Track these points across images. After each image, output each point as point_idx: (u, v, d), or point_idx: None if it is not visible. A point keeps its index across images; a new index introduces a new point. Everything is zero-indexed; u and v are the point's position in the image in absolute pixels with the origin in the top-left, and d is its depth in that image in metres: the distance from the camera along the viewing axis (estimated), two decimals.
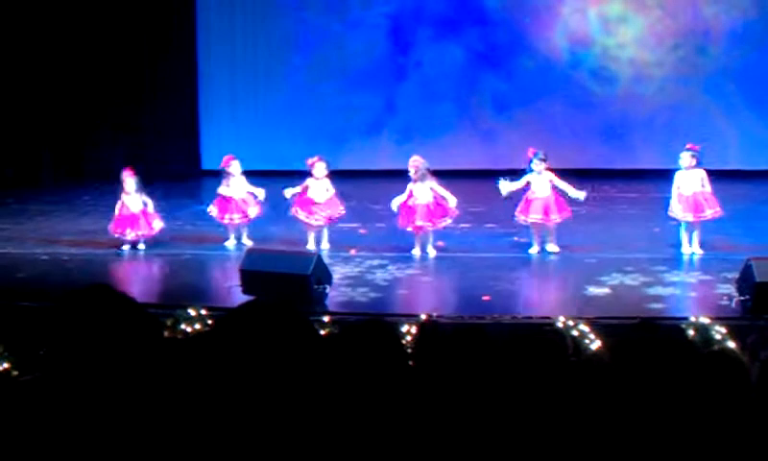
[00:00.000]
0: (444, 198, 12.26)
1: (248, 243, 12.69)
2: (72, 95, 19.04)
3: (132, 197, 12.74)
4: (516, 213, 12.34)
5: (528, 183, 12.29)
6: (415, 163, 12.34)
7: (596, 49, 18.57)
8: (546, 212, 12.12)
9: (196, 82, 19.41)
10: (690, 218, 12.04)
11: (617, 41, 18.54)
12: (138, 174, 12.95)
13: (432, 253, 12.24)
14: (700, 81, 18.30)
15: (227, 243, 12.92)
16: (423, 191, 12.25)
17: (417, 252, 12.24)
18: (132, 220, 12.68)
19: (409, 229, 12.31)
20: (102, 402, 2.59)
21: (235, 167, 13.00)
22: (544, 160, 12.26)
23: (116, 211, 12.79)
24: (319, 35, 19.02)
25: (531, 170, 12.30)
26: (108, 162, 16.81)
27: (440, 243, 12.45)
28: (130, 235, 12.67)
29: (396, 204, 12.32)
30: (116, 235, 12.76)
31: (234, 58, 19.36)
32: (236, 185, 12.93)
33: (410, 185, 12.31)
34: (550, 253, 12.11)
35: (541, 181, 12.22)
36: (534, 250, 12.17)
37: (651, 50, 18.46)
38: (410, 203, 12.28)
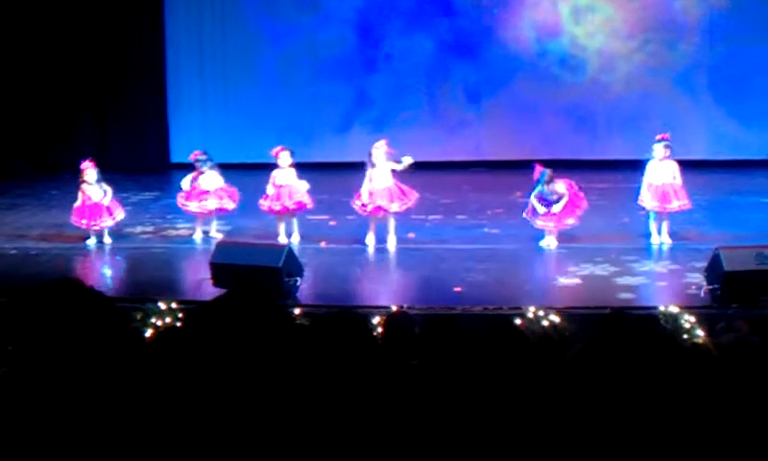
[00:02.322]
0: (404, 185, 12.31)
1: (216, 236, 12.66)
2: (40, 89, 18.89)
3: (93, 187, 12.67)
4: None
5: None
6: (381, 148, 12.34)
7: (566, 40, 18.62)
8: (560, 220, 12.06)
9: (164, 74, 19.31)
10: (657, 208, 12.12)
11: (587, 31, 18.61)
12: (100, 165, 12.89)
13: (392, 243, 12.22)
14: (669, 73, 18.41)
15: (194, 236, 12.88)
16: (383, 175, 12.25)
17: (371, 239, 12.22)
18: (93, 210, 12.62)
19: (368, 209, 12.28)
20: (70, 399, 2.58)
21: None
22: (550, 181, 12.11)
23: (78, 202, 12.71)
24: (288, 27, 18.97)
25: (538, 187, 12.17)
26: (76, 156, 16.65)
27: (411, 235, 12.45)
28: (91, 225, 12.62)
29: (357, 203, 12.35)
30: (78, 226, 12.69)
31: (203, 50, 19.28)
32: (207, 178, 12.90)
33: (368, 172, 12.29)
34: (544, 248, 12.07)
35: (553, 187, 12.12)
36: (545, 242, 12.08)
37: (621, 42, 18.54)
38: (370, 188, 12.28)
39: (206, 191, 12.85)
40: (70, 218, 12.77)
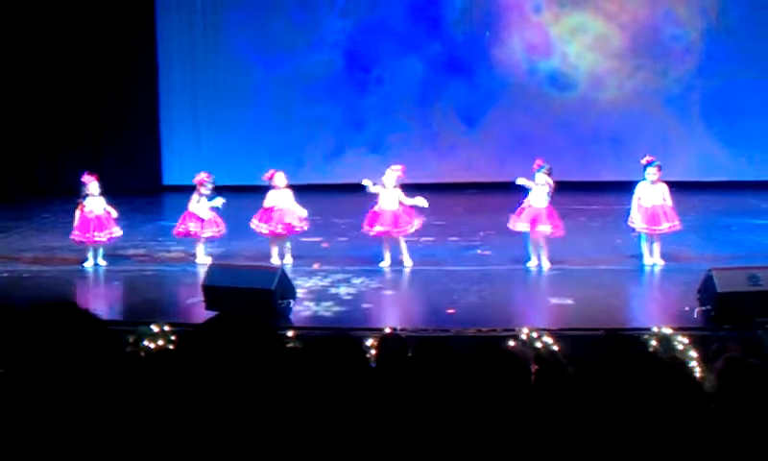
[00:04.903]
0: (410, 206, 12.30)
1: (202, 260, 12.57)
2: (31, 112, 18.90)
3: (97, 199, 12.65)
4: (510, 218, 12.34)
5: (529, 191, 12.23)
6: (396, 172, 12.38)
7: (558, 62, 18.70)
8: (534, 223, 12.08)
9: (157, 97, 19.34)
10: (646, 230, 12.13)
11: (580, 54, 18.70)
12: (100, 181, 12.86)
13: (408, 263, 12.25)
14: (660, 97, 18.52)
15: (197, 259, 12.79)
16: (391, 199, 12.28)
17: (386, 263, 12.24)
18: (96, 223, 12.57)
19: (372, 233, 12.30)
20: (64, 422, 2.57)
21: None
22: (549, 174, 12.19)
23: (77, 217, 12.65)
24: (280, 51, 19.02)
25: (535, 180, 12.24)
26: (68, 179, 16.68)
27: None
28: (96, 237, 12.55)
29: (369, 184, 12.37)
30: (79, 241, 12.62)
31: (195, 73, 19.32)
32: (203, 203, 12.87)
33: (377, 189, 12.33)
34: (542, 267, 12.05)
35: (540, 193, 12.19)
36: (532, 263, 12.13)
37: (614, 66, 18.63)
38: (376, 209, 12.32)
39: (201, 219, 12.80)
40: (71, 235, 12.69)
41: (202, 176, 12.90)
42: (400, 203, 12.32)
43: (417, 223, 12.36)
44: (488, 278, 11.68)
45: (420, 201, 12.27)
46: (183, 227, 12.79)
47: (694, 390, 2.38)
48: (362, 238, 13.13)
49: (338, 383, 3.02)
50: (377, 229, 12.28)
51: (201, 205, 12.79)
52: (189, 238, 12.87)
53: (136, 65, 19.10)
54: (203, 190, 12.77)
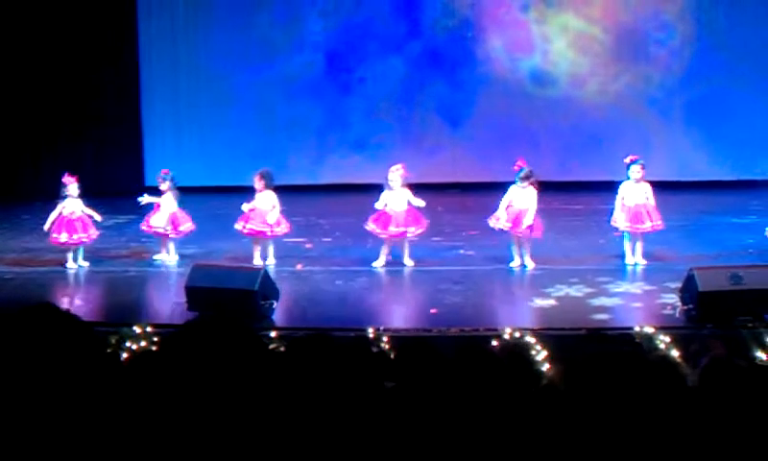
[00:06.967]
0: (417, 208, 12.33)
1: (169, 258, 12.68)
2: (13, 113, 18.81)
3: (76, 201, 12.62)
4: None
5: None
6: (398, 171, 12.38)
7: (541, 61, 18.71)
8: (516, 223, 12.09)
9: (138, 96, 19.26)
10: (629, 229, 12.17)
11: (563, 54, 18.71)
12: (81, 182, 12.85)
13: (409, 262, 12.24)
14: (643, 99, 18.55)
15: (157, 256, 12.86)
16: (399, 199, 12.28)
17: (380, 263, 12.21)
18: (79, 224, 12.54)
19: (383, 236, 12.28)
20: (46, 424, 2.56)
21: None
22: (527, 178, 12.19)
23: (53, 217, 12.60)
24: (262, 50, 18.98)
25: (515, 183, 12.24)
26: (49, 180, 16.58)
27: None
28: (81, 238, 12.53)
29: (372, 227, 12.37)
30: (57, 243, 12.58)
31: (177, 74, 19.24)
32: (166, 200, 12.96)
33: (384, 194, 12.31)
34: (526, 267, 12.07)
35: (523, 195, 12.16)
36: (515, 263, 12.13)
37: (597, 69, 18.66)
38: (386, 211, 12.31)
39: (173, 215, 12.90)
40: (50, 237, 12.63)
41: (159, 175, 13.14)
42: (408, 203, 12.34)
43: (424, 225, 12.40)
44: (471, 277, 11.69)
45: (419, 202, 12.33)
46: (156, 222, 12.87)
47: (680, 387, 2.39)
48: (346, 239, 13.14)
49: (319, 383, 3.02)
50: (391, 230, 12.24)
51: (167, 199, 12.87)
52: (159, 236, 12.93)
53: (118, 67, 19.01)
54: (162, 187, 12.95)
